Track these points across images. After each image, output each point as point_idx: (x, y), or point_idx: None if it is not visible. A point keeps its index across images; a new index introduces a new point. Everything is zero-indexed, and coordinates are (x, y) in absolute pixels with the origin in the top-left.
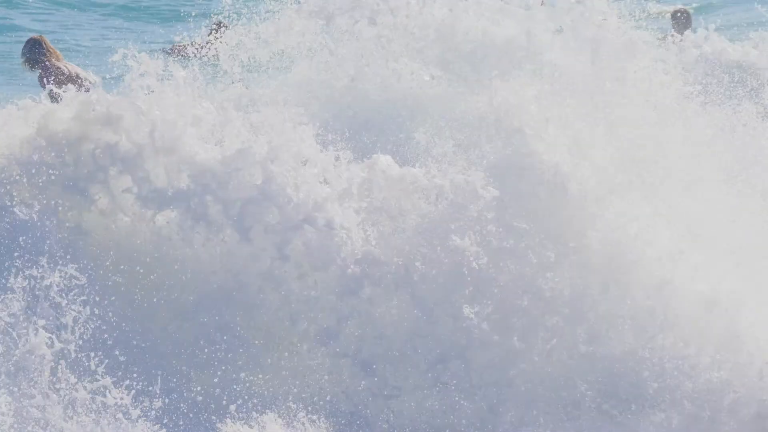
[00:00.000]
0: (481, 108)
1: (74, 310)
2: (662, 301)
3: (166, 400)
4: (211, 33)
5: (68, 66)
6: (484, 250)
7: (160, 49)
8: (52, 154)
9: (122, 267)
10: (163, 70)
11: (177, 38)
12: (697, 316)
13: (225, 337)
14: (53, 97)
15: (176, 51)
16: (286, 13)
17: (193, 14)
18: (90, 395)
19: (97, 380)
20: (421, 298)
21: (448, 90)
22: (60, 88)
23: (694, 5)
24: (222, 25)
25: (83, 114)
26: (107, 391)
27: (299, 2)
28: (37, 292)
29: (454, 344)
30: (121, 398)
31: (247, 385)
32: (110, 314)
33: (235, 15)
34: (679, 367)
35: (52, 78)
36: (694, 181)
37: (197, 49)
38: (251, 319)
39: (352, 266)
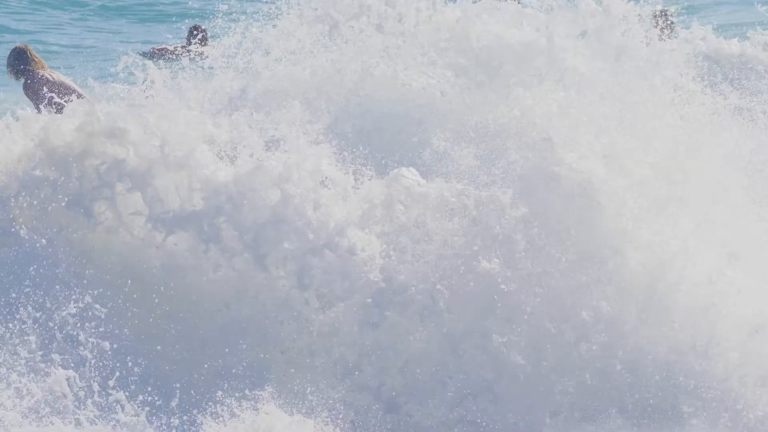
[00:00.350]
0: (500, 117)
1: (91, 342)
2: (704, 326)
3: (183, 417)
4: (202, 42)
5: (53, 75)
6: (513, 273)
7: (138, 52)
8: (55, 169)
9: (135, 296)
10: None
11: (169, 42)
12: (741, 343)
13: (240, 371)
14: (50, 106)
15: (157, 54)
16: (288, 19)
17: (186, 21)
18: (101, 413)
19: (110, 396)
20: (448, 327)
21: (463, 98)
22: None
23: (675, 6)
24: (201, 29)
25: (87, 126)
26: (120, 406)
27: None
28: (50, 323)
29: (482, 377)
30: (136, 415)
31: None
32: (121, 346)
33: (232, 22)
34: (719, 399)
35: (45, 87)
36: (733, 197)
37: (193, 56)
38: (267, 351)
39: (374, 294)
